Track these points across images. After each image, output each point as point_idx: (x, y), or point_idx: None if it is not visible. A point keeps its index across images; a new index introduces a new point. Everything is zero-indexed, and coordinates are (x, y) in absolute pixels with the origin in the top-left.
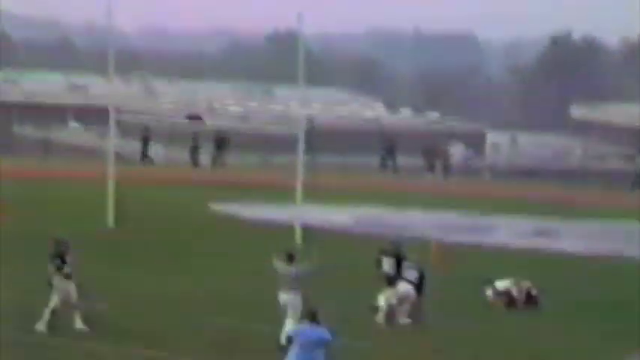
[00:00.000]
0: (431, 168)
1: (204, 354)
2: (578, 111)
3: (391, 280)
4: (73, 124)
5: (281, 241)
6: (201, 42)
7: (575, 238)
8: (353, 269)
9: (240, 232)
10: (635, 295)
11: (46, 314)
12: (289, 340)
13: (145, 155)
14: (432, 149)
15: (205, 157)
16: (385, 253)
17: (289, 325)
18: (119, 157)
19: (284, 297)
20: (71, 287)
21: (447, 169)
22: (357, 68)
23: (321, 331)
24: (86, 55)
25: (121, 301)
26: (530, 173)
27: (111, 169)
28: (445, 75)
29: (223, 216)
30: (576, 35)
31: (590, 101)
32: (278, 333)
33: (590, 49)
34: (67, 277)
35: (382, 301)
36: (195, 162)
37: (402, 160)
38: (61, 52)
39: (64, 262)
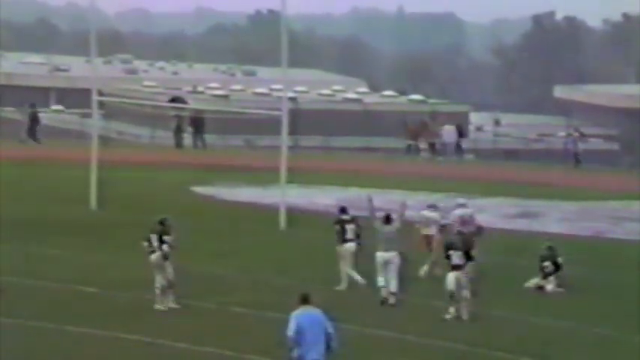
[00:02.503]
0: (416, 149)
1: (191, 336)
2: (561, 92)
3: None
4: (55, 107)
5: (264, 223)
6: (183, 23)
7: (558, 219)
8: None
9: (223, 214)
10: (619, 276)
11: (158, 293)
12: (298, 330)
13: (31, 131)
14: (419, 130)
15: (189, 139)
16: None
17: (393, 282)
18: (102, 139)
19: (384, 255)
20: (168, 266)
21: (434, 149)
22: (340, 49)
23: (320, 313)
24: (67, 37)
25: (106, 284)
26: (513, 154)
27: (94, 151)
28: (428, 55)
29: (207, 198)
30: (559, 16)
31: (573, 82)
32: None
33: (573, 29)
34: (165, 257)
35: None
36: (179, 144)
37: (385, 141)
38: (42, 33)
39: (163, 242)
